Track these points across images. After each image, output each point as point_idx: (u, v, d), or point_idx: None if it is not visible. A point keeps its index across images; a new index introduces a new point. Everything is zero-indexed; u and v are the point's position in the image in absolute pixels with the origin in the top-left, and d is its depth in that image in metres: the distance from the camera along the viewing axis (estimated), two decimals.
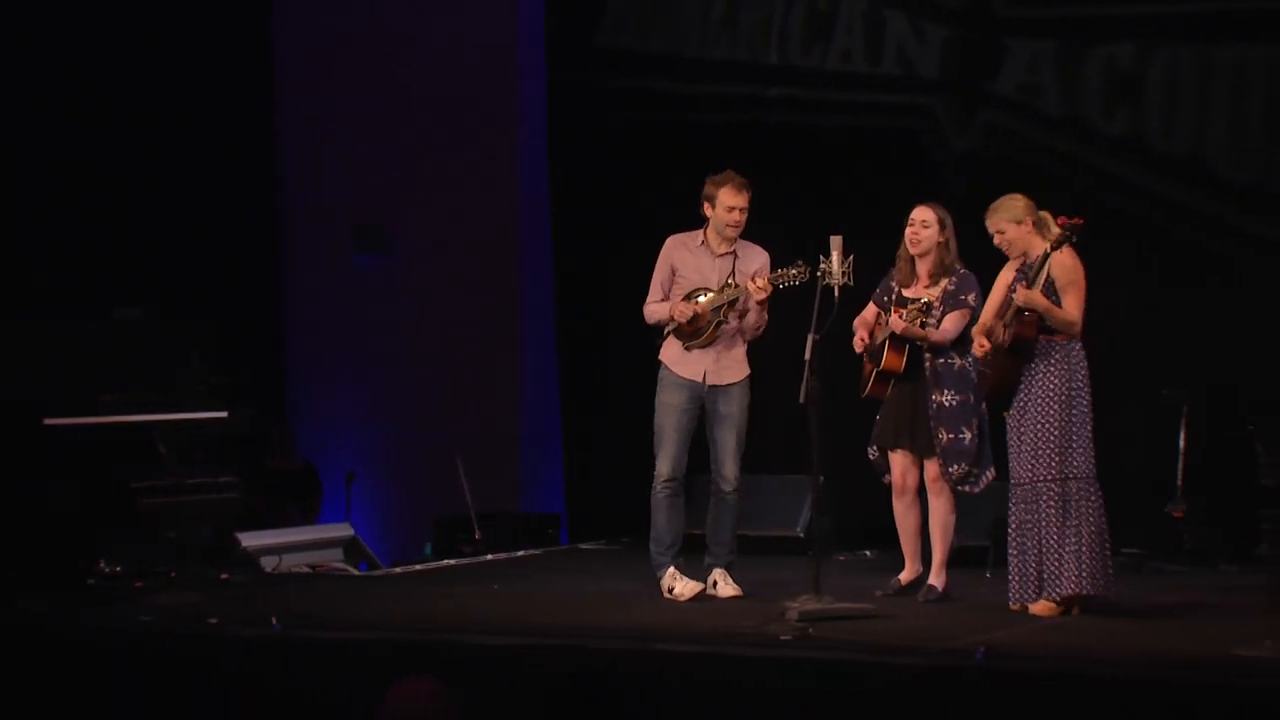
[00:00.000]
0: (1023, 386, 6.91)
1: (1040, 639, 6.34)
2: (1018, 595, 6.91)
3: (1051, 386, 6.87)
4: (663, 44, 10.59)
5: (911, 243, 7.39)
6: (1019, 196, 7.01)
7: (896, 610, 7.08)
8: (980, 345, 7.00)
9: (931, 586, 7.42)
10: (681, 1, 10.51)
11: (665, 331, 7.57)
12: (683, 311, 7.45)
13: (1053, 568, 6.82)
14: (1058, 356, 6.89)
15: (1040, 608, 6.84)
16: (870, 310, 7.56)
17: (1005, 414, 7.03)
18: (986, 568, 8.21)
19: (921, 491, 7.52)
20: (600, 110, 10.71)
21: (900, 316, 7.24)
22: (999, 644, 5.99)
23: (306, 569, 9.06)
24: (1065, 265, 6.86)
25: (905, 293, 7.45)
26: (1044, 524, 6.84)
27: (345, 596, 8.06)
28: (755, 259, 7.56)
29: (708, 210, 7.53)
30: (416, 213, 11.18)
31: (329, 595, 8.10)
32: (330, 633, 6.62)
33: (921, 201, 7.45)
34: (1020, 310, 6.80)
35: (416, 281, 11.18)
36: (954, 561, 7.64)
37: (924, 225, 7.38)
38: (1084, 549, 6.80)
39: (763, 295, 7.33)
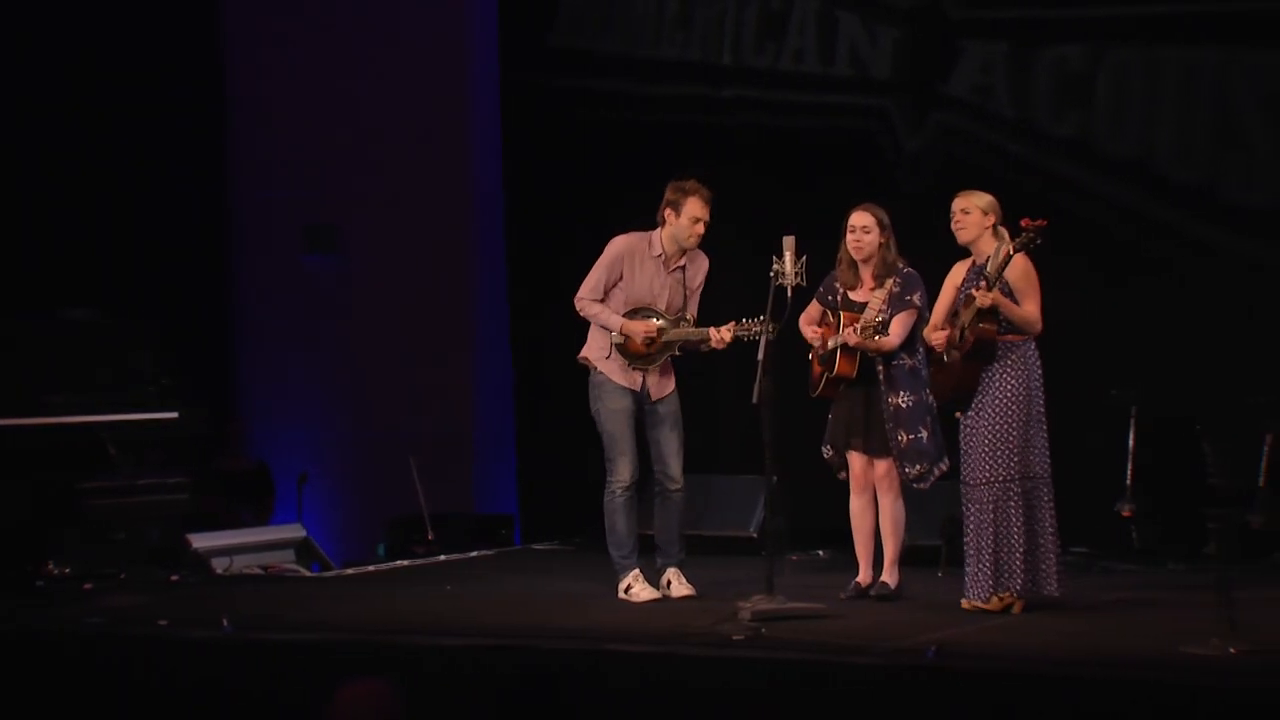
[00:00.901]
0: (980, 388, 6.96)
1: (991, 638, 6.38)
2: (974, 592, 6.96)
3: (1010, 387, 6.92)
4: (616, 44, 10.59)
5: (854, 250, 7.40)
6: (987, 194, 7.06)
7: (849, 610, 7.10)
8: (938, 339, 7.03)
9: (884, 585, 7.45)
10: (634, 1, 10.52)
11: (612, 344, 7.52)
12: (648, 335, 7.42)
13: (1009, 567, 6.87)
14: (1014, 357, 6.94)
15: (986, 604, 6.90)
16: (814, 308, 7.57)
17: (958, 414, 7.07)
18: (938, 566, 8.26)
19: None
20: (553, 110, 10.70)
21: (854, 331, 7.26)
22: (950, 643, 6.02)
23: (258, 570, 9.02)
24: (1022, 270, 6.91)
25: (851, 295, 7.47)
26: (1002, 525, 6.89)
27: (297, 597, 8.03)
28: (700, 269, 7.55)
29: (669, 216, 7.47)
30: (368, 212, 11.14)
31: (280, 596, 8.07)
32: (281, 634, 6.60)
33: (858, 205, 7.45)
34: (981, 312, 6.84)
35: (368, 281, 11.14)
36: (906, 560, 7.67)
37: (864, 231, 7.39)
38: (1041, 550, 6.86)
39: (721, 347, 7.35)
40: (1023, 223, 6.83)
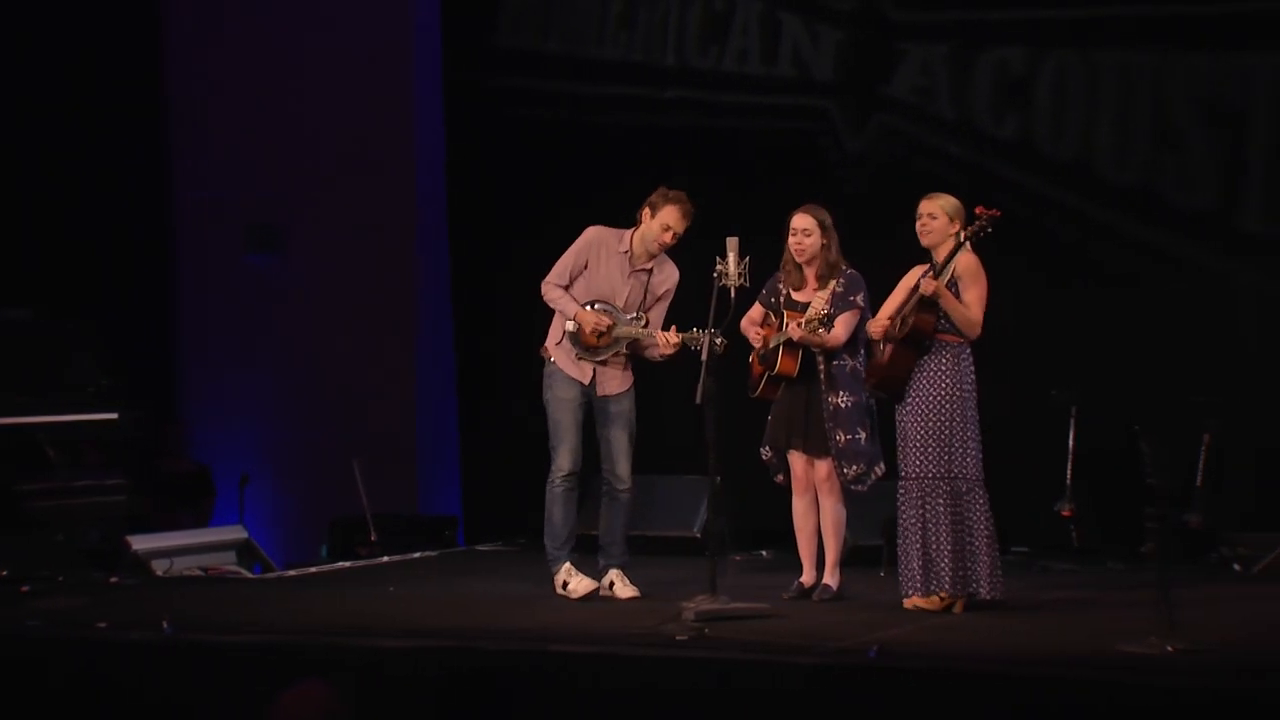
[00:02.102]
0: (912, 384, 7.00)
1: (932, 637, 6.41)
2: (907, 589, 7.02)
3: (941, 386, 6.97)
4: (560, 44, 10.59)
5: (796, 252, 7.42)
6: (952, 196, 7.09)
7: (792, 610, 7.12)
8: (877, 326, 7.07)
9: (826, 586, 7.48)
10: (578, 2, 10.52)
11: (565, 331, 7.54)
12: (597, 327, 7.43)
13: (937, 565, 6.92)
14: (948, 357, 6.99)
15: (926, 602, 6.94)
16: (757, 310, 7.60)
17: (878, 393, 7.13)
18: (880, 566, 8.29)
19: None
20: (498, 110, 10.69)
21: (799, 325, 7.28)
22: (892, 642, 6.05)
23: (199, 572, 8.96)
24: (970, 266, 6.97)
25: (795, 295, 7.50)
26: (930, 521, 6.94)
27: (238, 599, 7.98)
28: (668, 278, 7.57)
29: (645, 216, 7.48)
30: (311, 212, 11.09)
31: (221, 598, 8.02)
32: (222, 636, 6.55)
33: (799, 208, 7.48)
34: (923, 300, 6.88)
35: (311, 281, 11.09)
36: (848, 561, 7.71)
37: (805, 234, 7.42)
38: (970, 550, 6.91)
39: (670, 352, 7.36)
40: (977, 210, 6.88)
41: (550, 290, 7.56)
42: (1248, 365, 8.99)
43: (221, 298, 11.31)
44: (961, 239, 6.87)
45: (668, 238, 7.43)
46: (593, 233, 7.58)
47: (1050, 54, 9.42)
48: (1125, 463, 8.43)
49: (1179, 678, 5.45)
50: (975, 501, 6.96)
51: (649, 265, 7.53)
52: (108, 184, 10.81)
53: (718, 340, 6.98)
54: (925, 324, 6.93)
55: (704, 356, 6.98)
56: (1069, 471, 8.78)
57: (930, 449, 6.96)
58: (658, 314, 7.56)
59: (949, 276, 6.92)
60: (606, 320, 7.44)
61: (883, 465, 7.44)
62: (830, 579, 7.48)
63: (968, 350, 7.02)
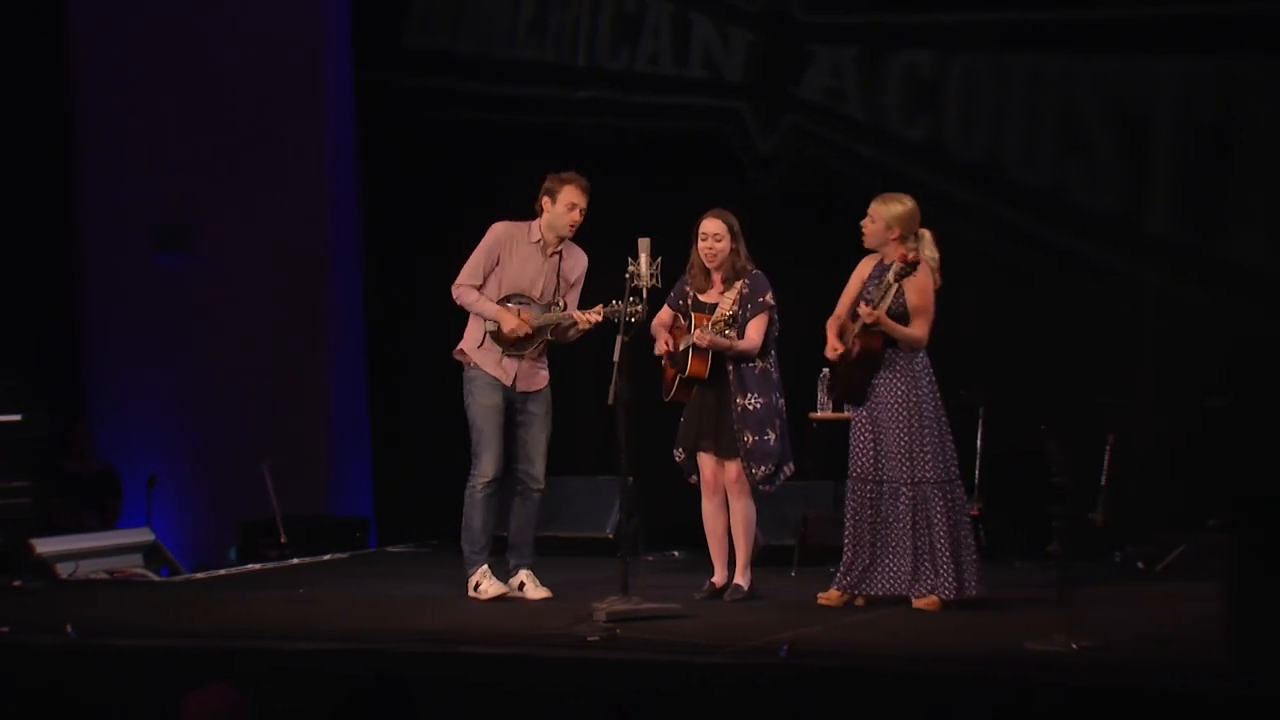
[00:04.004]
0: (871, 391, 7.06)
1: (841, 636, 6.45)
2: (844, 583, 7.07)
3: (897, 394, 7.05)
4: (471, 45, 10.56)
5: (706, 256, 7.45)
6: (906, 201, 7.11)
7: (703, 610, 7.14)
8: (833, 348, 7.13)
9: (738, 586, 7.50)
10: (489, 2, 10.49)
11: (486, 331, 7.52)
12: (518, 327, 7.42)
13: (925, 570, 7.01)
14: (901, 365, 7.07)
15: (927, 603, 7.00)
16: (665, 313, 7.61)
17: (820, 416, 7.17)
18: (791, 566, 8.34)
19: None
20: (409, 111, 10.64)
21: (705, 330, 7.30)
22: (802, 641, 6.08)
23: (104, 575, 8.85)
24: (920, 287, 7.03)
25: (701, 297, 7.52)
26: (895, 523, 7.01)
27: (145, 603, 7.89)
28: (578, 263, 7.59)
29: (545, 205, 7.49)
30: (221, 212, 10.99)
31: (128, 602, 7.92)
32: (128, 640, 6.47)
33: (709, 212, 7.50)
34: (865, 326, 6.96)
35: (221, 281, 10.99)
36: (760, 560, 7.75)
37: (716, 238, 7.44)
38: (945, 551, 6.99)
39: (589, 326, 7.37)
40: (899, 254, 6.95)
41: (464, 293, 7.54)
42: (1151, 365, 9.11)
43: (129, 297, 11.18)
44: (890, 280, 6.93)
45: (576, 215, 7.46)
46: (500, 228, 7.57)
47: (959, 57, 9.51)
48: (1032, 462, 8.53)
49: (1084, 675, 5.52)
50: (939, 501, 7.02)
51: (560, 249, 7.53)
52: (12, 183, 10.65)
53: (638, 308, 6.96)
54: (872, 344, 7.02)
55: (615, 358, 6.98)
56: (977, 471, 8.87)
57: (891, 456, 7.03)
58: (573, 300, 7.59)
59: (893, 296, 6.97)
60: (526, 315, 7.44)
61: (792, 465, 7.48)
62: (741, 579, 7.51)
63: (920, 355, 7.10)
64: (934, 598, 7.01)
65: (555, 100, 10.32)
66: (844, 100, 9.71)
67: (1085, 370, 9.00)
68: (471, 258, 7.56)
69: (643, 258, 6.99)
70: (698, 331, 7.34)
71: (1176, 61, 9.15)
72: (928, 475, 7.02)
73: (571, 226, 7.48)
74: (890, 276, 6.95)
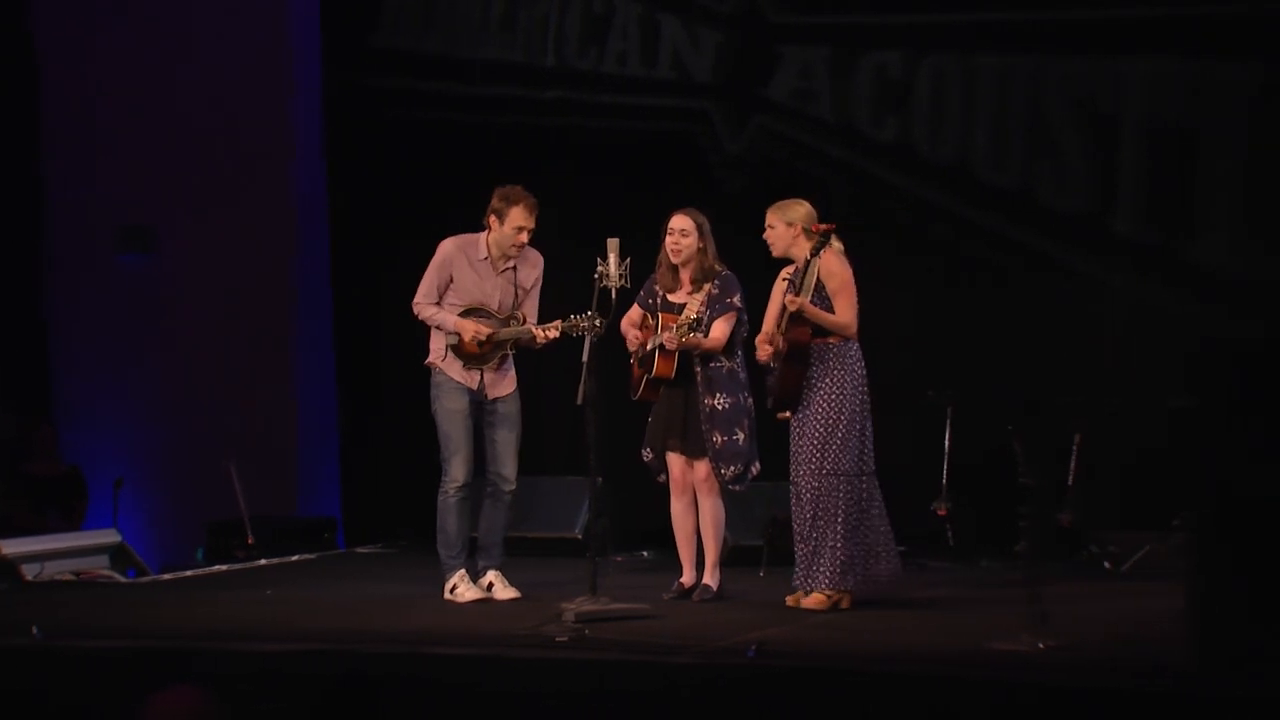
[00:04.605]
0: (805, 389, 7.06)
1: (809, 636, 6.47)
2: (803, 584, 7.07)
3: (828, 388, 7.04)
4: (439, 45, 10.55)
5: (672, 252, 7.46)
6: (803, 203, 7.15)
7: (672, 610, 7.15)
8: (763, 351, 7.14)
9: (706, 586, 7.51)
10: (458, 2, 10.47)
11: (447, 345, 7.51)
12: (476, 336, 7.41)
13: (859, 563, 7.00)
14: (833, 358, 7.06)
15: (811, 601, 7.00)
16: (635, 312, 7.62)
17: (782, 415, 7.16)
18: (760, 566, 8.35)
19: None
20: (378, 110, 10.62)
21: (672, 334, 7.31)
22: (770, 641, 6.09)
23: (70, 576, 8.81)
24: (833, 270, 7.04)
25: (670, 297, 7.53)
26: (827, 518, 7.00)
27: (111, 604, 7.87)
28: (533, 269, 7.58)
29: (493, 223, 7.47)
30: (187, 212, 10.94)
31: (94, 603, 7.89)
32: (94, 641, 6.45)
33: (678, 209, 7.52)
34: (792, 316, 6.96)
35: (188, 281, 10.94)
36: (728, 561, 7.75)
37: (683, 234, 7.45)
38: (865, 544, 6.98)
39: (547, 341, 7.37)
40: (813, 227, 6.98)
41: (423, 309, 7.55)
42: (1117, 366, 9.15)
43: (97, 298, 11.12)
44: (807, 257, 6.96)
45: (523, 238, 7.45)
46: (448, 246, 7.56)
47: (928, 58, 9.53)
48: (1000, 462, 8.56)
49: (1050, 674, 5.55)
50: (861, 495, 7.02)
51: (511, 264, 7.54)
52: None
53: (596, 322, 6.98)
54: (800, 337, 7.01)
55: (584, 358, 6.98)
56: (945, 471, 8.90)
57: (817, 450, 7.01)
58: (531, 305, 7.59)
59: (813, 286, 6.99)
60: (486, 329, 7.44)
61: (758, 465, 7.49)
62: (710, 579, 7.52)
63: (853, 347, 7.09)
64: (822, 596, 7.00)
65: (523, 100, 10.31)
66: (813, 101, 9.72)
67: (1053, 370, 9.03)
68: (425, 277, 7.56)
69: (611, 258, 7.00)
70: (665, 334, 7.35)
71: (1144, 63, 9.19)
72: (838, 467, 7.00)
73: (518, 248, 7.47)
74: (807, 254, 6.97)
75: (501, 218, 7.44)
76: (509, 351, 7.54)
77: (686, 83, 10.01)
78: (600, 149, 10.06)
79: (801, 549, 7.09)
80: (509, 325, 7.49)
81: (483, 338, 7.42)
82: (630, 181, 9.80)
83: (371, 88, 10.65)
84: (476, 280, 7.50)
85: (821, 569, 7.02)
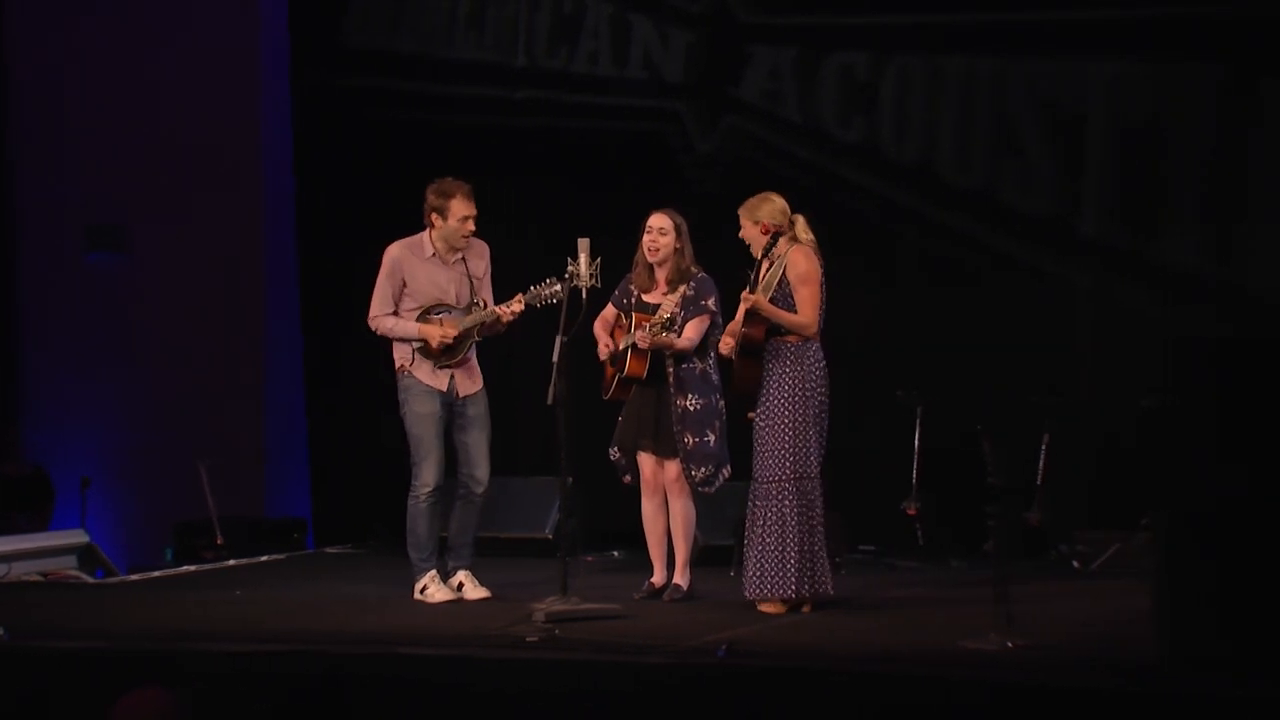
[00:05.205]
0: (763, 388, 7.06)
1: (779, 635, 6.48)
2: (754, 590, 7.05)
3: (784, 388, 7.02)
4: (410, 44, 10.53)
5: (649, 251, 7.47)
6: (772, 199, 7.13)
7: (642, 610, 7.16)
8: (724, 344, 7.15)
9: (677, 586, 7.52)
10: (428, 2, 10.46)
11: (413, 349, 7.50)
12: (444, 338, 7.41)
13: (776, 567, 6.95)
14: (790, 357, 7.04)
15: (769, 607, 7.00)
16: (609, 311, 7.63)
17: (748, 416, 7.17)
18: (730, 566, 8.36)
19: None
20: (347, 110, 10.60)
21: (645, 332, 7.31)
22: (741, 641, 6.11)
23: (38, 577, 8.77)
24: (799, 268, 7.02)
25: (645, 298, 7.53)
26: (768, 523, 6.98)
27: (79, 605, 7.84)
28: (480, 259, 7.59)
29: (435, 220, 7.48)
30: (157, 212, 10.90)
31: (61, 603, 7.86)
32: (62, 643, 6.42)
33: (657, 208, 7.53)
34: (748, 313, 6.96)
35: (156, 281, 10.90)
36: (699, 561, 7.77)
37: (661, 233, 7.46)
38: (812, 549, 6.95)
39: (514, 318, 7.37)
40: (762, 227, 7.00)
41: (380, 323, 7.54)
42: (1085, 366, 9.19)
43: (65, 298, 11.08)
44: (757, 259, 6.99)
45: (470, 226, 7.47)
46: (395, 251, 7.56)
47: (894, 58, 9.55)
48: (969, 462, 8.60)
49: (1018, 673, 5.57)
50: (814, 500, 6.99)
51: (460, 255, 7.54)
52: None
53: (556, 288, 7.08)
54: (754, 335, 7.00)
55: (555, 358, 6.99)
56: (914, 471, 8.92)
57: (775, 452, 7.00)
58: (487, 294, 7.59)
59: (776, 283, 6.98)
60: (451, 329, 7.42)
61: (729, 469, 7.49)
62: (680, 579, 7.53)
63: (813, 347, 7.07)
64: (778, 603, 6.97)
65: (494, 100, 10.30)
66: (782, 102, 9.74)
67: (1021, 370, 9.07)
68: (377, 288, 7.55)
69: (582, 258, 7.01)
70: (639, 333, 7.35)
71: (1107, 63, 9.23)
72: (811, 470, 6.97)
73: (466, 237, 7.48)
74: (759, 255, 6.97)
75: (444, 213, 7.45)
76: (475, 338, 7.51)
77: (657, 83, 10.02)
78: (571, 149, 10.06)
79: (757, 553, 7.01)
80: (471, 313, 7.48)
81: (450, 340, 7.42)
82: (601, 181, 9.80)
83: (341, 87, 10.63)
84: (429, 276, 7.50)
85: (779, 576, 6.96)
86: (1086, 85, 9.26)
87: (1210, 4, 8.99)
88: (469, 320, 7.47)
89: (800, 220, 7.12)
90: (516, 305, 7.37)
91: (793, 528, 6.96)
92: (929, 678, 5.56)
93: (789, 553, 6.95)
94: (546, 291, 7.20)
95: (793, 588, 6.95)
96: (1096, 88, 9.25)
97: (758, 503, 7.05)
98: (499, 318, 7.42)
